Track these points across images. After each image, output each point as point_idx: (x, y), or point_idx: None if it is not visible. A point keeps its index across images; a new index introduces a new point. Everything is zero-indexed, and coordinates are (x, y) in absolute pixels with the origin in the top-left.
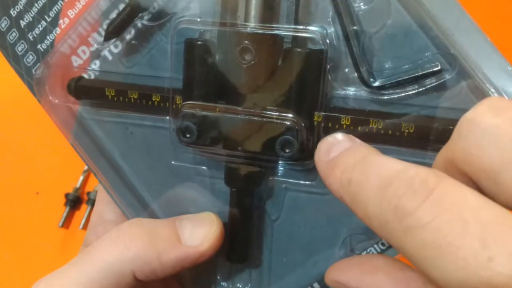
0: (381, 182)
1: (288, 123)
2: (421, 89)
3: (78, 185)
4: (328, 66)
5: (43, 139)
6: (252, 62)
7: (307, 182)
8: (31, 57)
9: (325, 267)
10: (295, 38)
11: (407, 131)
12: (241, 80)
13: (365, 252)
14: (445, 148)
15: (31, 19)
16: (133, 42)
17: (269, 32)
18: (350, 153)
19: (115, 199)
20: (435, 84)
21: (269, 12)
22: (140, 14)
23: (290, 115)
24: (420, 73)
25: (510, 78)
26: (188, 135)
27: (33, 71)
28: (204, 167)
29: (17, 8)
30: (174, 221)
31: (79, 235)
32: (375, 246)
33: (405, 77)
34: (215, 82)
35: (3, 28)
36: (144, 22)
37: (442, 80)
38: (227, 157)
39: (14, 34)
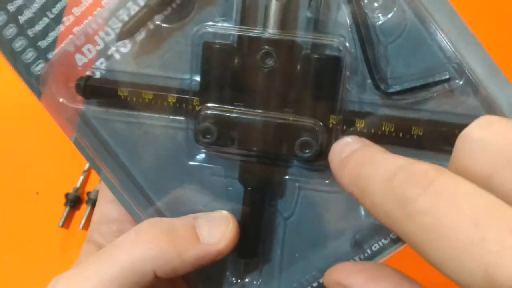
0: (386, 175)
1: (307, 125)
2: (430, 96)
3: (78, 185)
4: (348, 73)
5: (43, 139)
6: (273, 67)
7: (321, 181)
8: (30, 53)
9: (333, 263)
10: (314, 44)
11: (416, 133)
12: (262, 83)
13: (371, 249)
14: (449, 163)
15: (31, 15)
16: (146, 42)
17: (290, 38)
18: (360, 152)
19: (120, 197)
20: (444, 91)
21: (289, 19)
22: (156, 16)
23: (309, 118)
24: (430, 81)
25: (501, 85)
26: (208, 136)
27: (32, 68)
28: (219, 167)
29: (15, 3)
30: (191, 219)
31: (79, 235)
32: (379, 242)
33: (416, 84)
34: (234, 84)
35: None
36: (159, 23)
37: (451, 88)
38: (243, 156)
39: (11, 29)
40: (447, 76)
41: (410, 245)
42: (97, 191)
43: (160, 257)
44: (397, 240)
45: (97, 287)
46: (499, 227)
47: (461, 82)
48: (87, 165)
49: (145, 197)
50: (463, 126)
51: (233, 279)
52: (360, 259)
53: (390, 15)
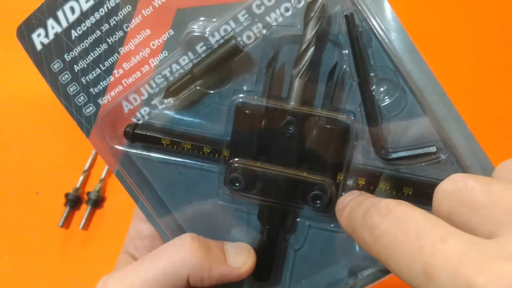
0: (363, 212)
1: (319, 181)
2: (420, 163)
3: (78, 185)
4: (355, 143)
5: (43, 139)
6: (294, 132)
7: (327, 225)
8: (82, 97)
9: (333, 286)
10: (328, 117)
11: (407, 192)
12: (283, 145)
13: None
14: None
15: (85, 66)
16: (186, 98)
17: (308, 111)
18: (353, 200)
19: (153, 221)
20: (431, 161)
21: (308, 93)
22: (198, 82)
23: (320, 175)
24: (420, 152)
25: (477, 155)
26: (236, 184)
27: (83, 110)
28: (242, 207)
29: (72, 54)
30: (222, 243)
31: (79, 235)
32: (369, 270)
33: (408, 154)
34: (259, 143)
35: (55, 69)
36: (200, 87)
37: (437, 158)
38: (262, 201)
39: (66, 76)
40: (434, 150)
41: (380, 262)
42: (97, 191)
43: (196, 265)
44: (384, 271)
45: (142, 285)
46: (433, 237)
47: (445, 155)
48: (87, 165)
49: (176, 226)
50: None
51: None
52: (354, 283)
53: (394, 97)
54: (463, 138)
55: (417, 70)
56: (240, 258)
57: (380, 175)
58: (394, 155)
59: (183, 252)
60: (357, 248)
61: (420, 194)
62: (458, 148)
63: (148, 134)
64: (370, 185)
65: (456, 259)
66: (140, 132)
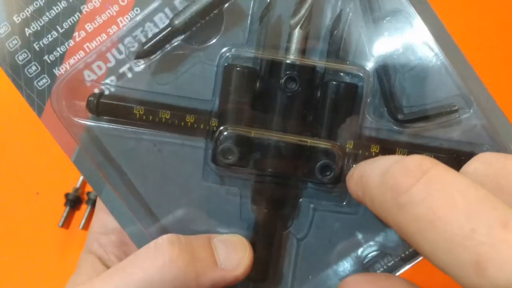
0: (382, 170)
1: (328, 148)
2: (441, 124)
3: (78, 185)
4: (368, 100)
5: (43, 139)
6: (296, 91)
7: (337, 203)
8: (34, 67)
9: None
10: (335, 71)
11: None
12: (283, 107)
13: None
14: None
15: (39, 28)
16: (163, 61)
17: (312, 64)
18: (366, 161)
19: (118, 215)
20: (453, 120)
21: (310, 46)
22: (179, 37)
23: (328, 142)
24: (441, 111)
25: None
26: (230, 157)
27: (35, 82)
28: (233, 187)
29: (22, 15)
30: (209, 240)
31: (79, 235)
32: (388, 264)
33: (428, 114)
34: (255, 107)
35: (1, 35)
36: (182, 42)
37: (459, 117)
38: (258, 177)
39: (15, 41)
40: (456, 107)
41: (402, 236)
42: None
43: (179, 277)
44: (405, 259)
45: None
46: (490, 220)
47: (469, 113)
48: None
49: (150, 215)
50: (469, 153)
51: None
52: None
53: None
54: (480, 93)
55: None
56: (233, 258)
57: (395, 141)
58: (411, 116)
59: (161, 263)
60: (377, 235)
61: (443, 161)
62: (479, 103)
63: (117, 103)
64: (385, 152)
65: None
66: (107, 101)
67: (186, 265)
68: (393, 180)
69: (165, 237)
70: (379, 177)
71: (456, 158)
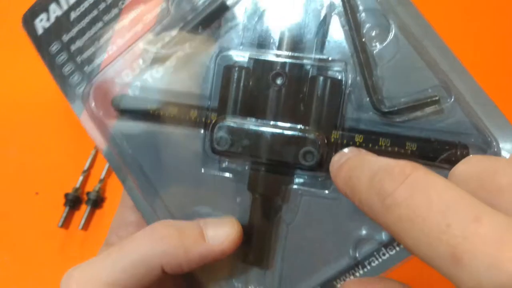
0: (370, 174)
1: (310, 137)
2: (422, 114)
3: (77, 185)
4: (348, 91)
5: (43, 139)
6: (282, 85)
7: (322, 191)
8: (76, 77)
9: (334, 270)
10: (319, 67)
11: (410, 149)
12: (272, 100)
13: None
14: None
15: (81, 45)
16: (174, 65)
17: (298, 62)
18: (353, 158)
19: (139, 204)
20: (434, 110)
21: (298, 45)
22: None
23: (313, 131)
24: (422, 102)
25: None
26: (222, 144)
27: (77, 89)
28: (230, 175)
29: (69, 35)
30: (199, 222)
31: (79, 235)
32: (376, 255)
33: (409, 105)
34: (247, 101)
35: (53, 52)
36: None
37: (441, 107)
38: (252, 165)
39: (62, 56)
40: (437, 98)
41: (391, 234)
42: (97, 191)
43: (168, 253)
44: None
45: (109, 277)
46: (464, 216)
47: (449, 102)
48: (86, 165)
49: (163, 205)
50: (451, 143)
51: (239, 285)
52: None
53: (385, 43)
54: (464, 82)
55: (413, 23)
56: (220, 233)
57: (379, 131)
58: (392, 107)
59: (153, 240)
60: (363, 220)
61: (425, 150)
62: (461, 92)
63: (136, 101)
64: (369, 142)
65: (494, 245)
66: (129, 101)
67: (174, 241)
68: (379, 184)
69: (161, 222)
70: (367, 182)
71: (439, 148)
